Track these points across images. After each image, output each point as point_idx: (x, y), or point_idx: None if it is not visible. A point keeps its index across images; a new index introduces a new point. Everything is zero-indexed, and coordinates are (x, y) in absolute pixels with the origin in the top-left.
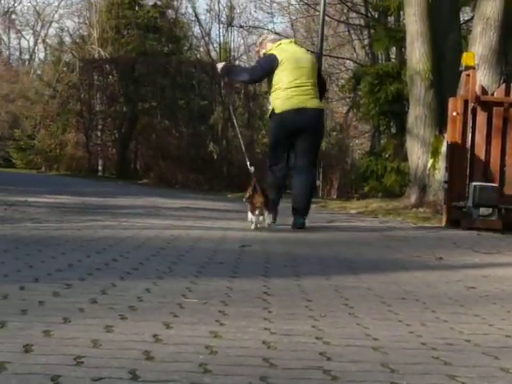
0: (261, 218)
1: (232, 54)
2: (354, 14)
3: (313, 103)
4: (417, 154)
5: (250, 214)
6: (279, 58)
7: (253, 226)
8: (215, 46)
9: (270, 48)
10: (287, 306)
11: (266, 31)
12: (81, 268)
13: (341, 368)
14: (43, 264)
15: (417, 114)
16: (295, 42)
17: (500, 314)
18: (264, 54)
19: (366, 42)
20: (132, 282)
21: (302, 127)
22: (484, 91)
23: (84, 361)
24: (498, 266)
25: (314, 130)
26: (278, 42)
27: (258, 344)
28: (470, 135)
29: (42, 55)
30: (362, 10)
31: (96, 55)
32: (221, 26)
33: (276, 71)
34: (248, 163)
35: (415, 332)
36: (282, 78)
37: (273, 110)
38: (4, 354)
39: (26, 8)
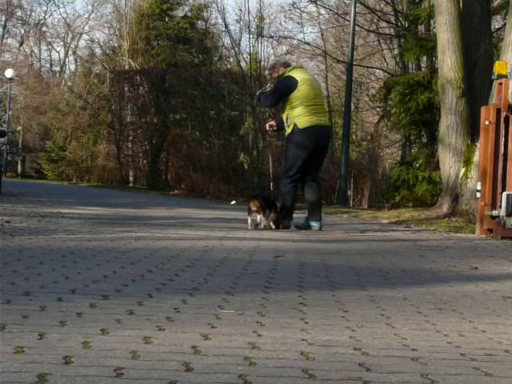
0: (258, 218)
1: (262, 64)
2: (384, 24)
3: (326, 121)
4: (449, 164)
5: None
6: (298, 79)
7: (248, 227)
8: (245, 56)
9: (285, 71)
10: (324, 316)
11: (295, 41)
12: (116, 279)
13: (381, 379)
14: (79, 275)
15: (448, 123)
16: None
17: None
18: (279, 76)
19: (396, 51)
20: (168, 294)
21: (320, 142)
22: None
23: (124, 372)
24: None
25: (327, 145)
26: (292, 67)
27: (296, 355)
28: (502, 144)
29: (72, 67)
30: (392, 20)
31: (126, 66)
32: (251, 36)
33: (295, 90)
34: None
35: (454, 342)
36: (303, 96)
37: (295, 125)
38: (45, 366)
39: (56, 20)
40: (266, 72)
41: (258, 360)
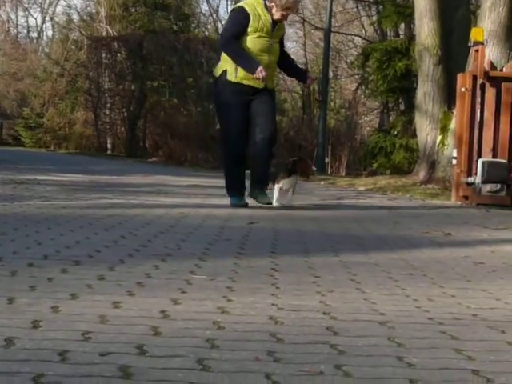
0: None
1: None
2: None
3: None
4: (425, 131)
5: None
6: None
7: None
8: (223, 23)
9: None
10: (295, 281)
11: None
12: (89, 245)
13: (347, 342)
14: (52, 241)
15: (425, 90)
16: None
17: (507, 289)
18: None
19: (374, 18)
20: (140, 259)
21: None
22: (493, 67)
23: (92, 336)
24: (507, 241)
25: None
26: None
27: (265, 319)
28: (478, 111)
29: (49, 33)
30: None
31: (104, 33)
32: (228, 2)
33: None
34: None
35: (422, 307)
36: None
37: None
38: (13, 330)
39: None
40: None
41: (226, 324)
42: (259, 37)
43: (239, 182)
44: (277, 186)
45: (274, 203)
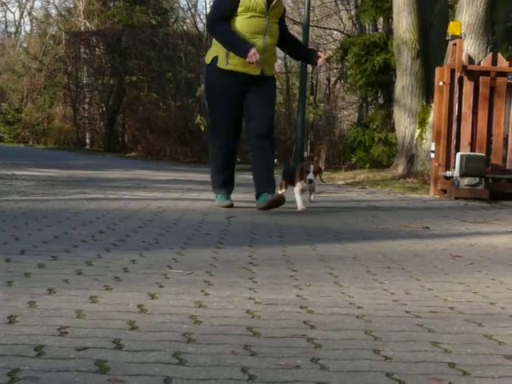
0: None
1: None
2: None
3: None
4: (404, 125)
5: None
6: None
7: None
8: (202, 17)
9: None
10: (272, 275)
11: None
12: (67, 240)
13: (324, 336)
14: (29, 236)
15: (404, 84)
16: None
17: (484, 282)
18: None
19: (352, 12)
20: (118, 254)
21: None
22: (471, 60)
23: (68, 331)
24: (484, 234)
25: None
26: None
27: (242, 313)
28: (456, 105)
29: (27, 28)
30: None
31: (82, 28)
32: None
33: None
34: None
35: (399, 300)
36: None
37: None
38: None
39: None
40: None
41: (203, 318)
42: (252, 17)
43: (226, 180)
44: (296, 189)
45: (299, 207)
